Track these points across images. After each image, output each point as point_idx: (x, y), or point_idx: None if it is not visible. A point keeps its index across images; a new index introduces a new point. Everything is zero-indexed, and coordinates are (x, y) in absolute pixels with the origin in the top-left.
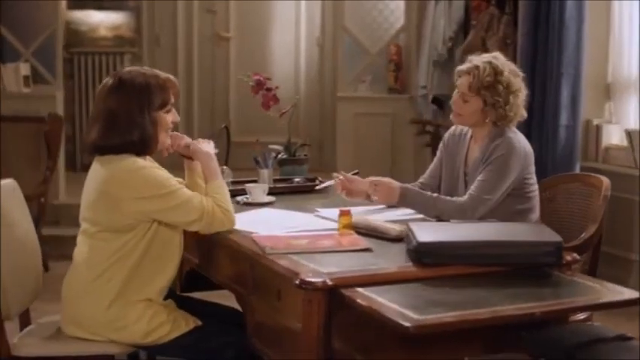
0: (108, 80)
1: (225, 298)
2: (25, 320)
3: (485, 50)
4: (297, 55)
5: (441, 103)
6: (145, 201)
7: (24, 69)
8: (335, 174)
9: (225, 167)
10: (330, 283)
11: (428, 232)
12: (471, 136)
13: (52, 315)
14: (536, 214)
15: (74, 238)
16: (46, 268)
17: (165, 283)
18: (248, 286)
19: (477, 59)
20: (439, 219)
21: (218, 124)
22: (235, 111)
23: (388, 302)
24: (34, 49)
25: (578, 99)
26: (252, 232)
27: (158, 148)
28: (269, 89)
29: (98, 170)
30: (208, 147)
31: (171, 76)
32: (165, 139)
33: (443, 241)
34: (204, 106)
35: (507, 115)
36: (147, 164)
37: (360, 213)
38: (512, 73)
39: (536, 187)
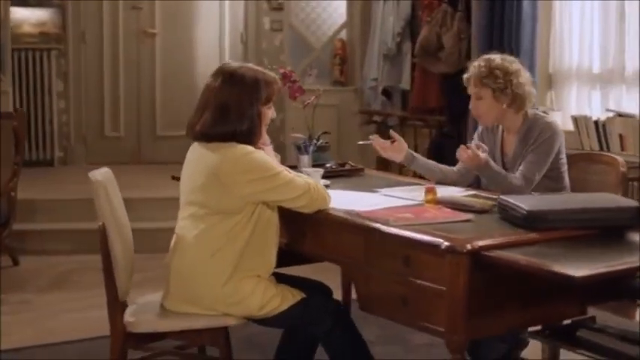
0: (217, 74)
1: (302, 272)
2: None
3: (441, 44)
4: (221, 51)
5: (389, 94)
6: (255, 183)
7: None
8: (371, 136)
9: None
10: (471, 247)
11: (530, 203)
12: (503, 130)
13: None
14: (568, 192)
15: (38, 232)
16: (15, 262)
17: (271, 261)
18: (360, 257)
19: (472, 64)
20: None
21: (144, 119)
22: (161, 106)
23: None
24: None
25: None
26: (351, 210)
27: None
28: (294, 81)
29: (207, 156)
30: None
31: (274, 74)
32: (264, 133)
33: (552, 209)
34: (131, 102)
35: (517, 94)
36: (253, 149)
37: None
38: (505, 60)
39: (566, 167)
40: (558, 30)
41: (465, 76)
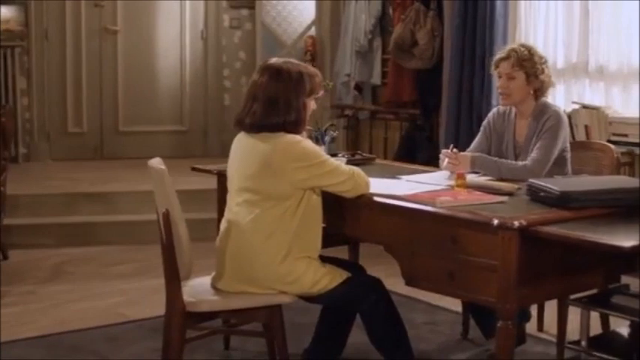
0: (263, 70)
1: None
2: None
3: (415, 41)
4: (182, 48)
5: (359, 89)
6: (306, 169)
7: None
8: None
9: None
10: (519, 224)
11: (561, 185)
12: (516, 115)
13: None
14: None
15: (21, 227)
16: (5, 256)
17: (319, 243)
18: (405, 237)
19: (509, 47)
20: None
21: (107, 114)
22: (123, 102)
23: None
24: None
25: None
26: (391, 194)
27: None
28: None
29: (258, 145)
30: None
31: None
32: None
33: (582, 190)
34: (93, 98)
35: (545, 81)
36: (302, 138)
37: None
38: (537, 49)
39: (570, 154)
40: (524, 27)
41: (501, 56)
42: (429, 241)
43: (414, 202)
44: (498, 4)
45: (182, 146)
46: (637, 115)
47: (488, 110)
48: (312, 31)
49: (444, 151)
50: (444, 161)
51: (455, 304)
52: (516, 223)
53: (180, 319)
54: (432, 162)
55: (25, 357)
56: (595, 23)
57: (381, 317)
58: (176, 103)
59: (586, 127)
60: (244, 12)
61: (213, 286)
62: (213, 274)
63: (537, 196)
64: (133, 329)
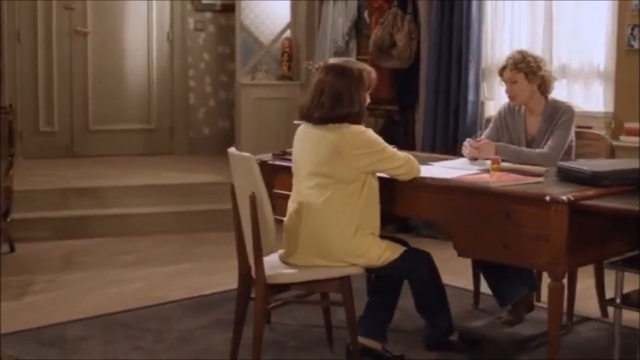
0: (328, 70)
1: None
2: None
3: (393, 43)
4: (149, 49)
5: None
6: (370, 155)
7: None
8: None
9: None
10: (567, 199)
11: (590, 166)
12: (525, 111)
13: None
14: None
15: (19, 221)
16: (12, 249)
17: (379, 220)
18: (460, 214)
19: (505, 57)
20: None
21: (77, 114)
22: (93, 101)
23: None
24: None
25: (480, 80)
26: (440, 177)
27: None
28: None
29: (327, 135)
30: None
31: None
32: None
33: (611, 170)
34: (64, 98)
35: (545, 77)
36: (365, 128)
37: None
38: (532, 51)
39: (575, 142)
40: (490, 29)
41: (501, 66)
42: (484, 216)
43: (469, 183)
44: (474, 8)
45: (150, 144)
46: (599, 110)
47: (465, 106)
48: (288, 33)
49: (468, 140)
50: (467, 148)
51: (458, 281)
52: (566, 198)
53: (263, 291)
54: None
55: (85, 334)
56: (558, 26)
57: (429, 285)
58: (144, 102)
59: None
60: (208, 15)
61: (284, 261)
62: (281, 251)
63: (567, 177)
64: (175, 309)
